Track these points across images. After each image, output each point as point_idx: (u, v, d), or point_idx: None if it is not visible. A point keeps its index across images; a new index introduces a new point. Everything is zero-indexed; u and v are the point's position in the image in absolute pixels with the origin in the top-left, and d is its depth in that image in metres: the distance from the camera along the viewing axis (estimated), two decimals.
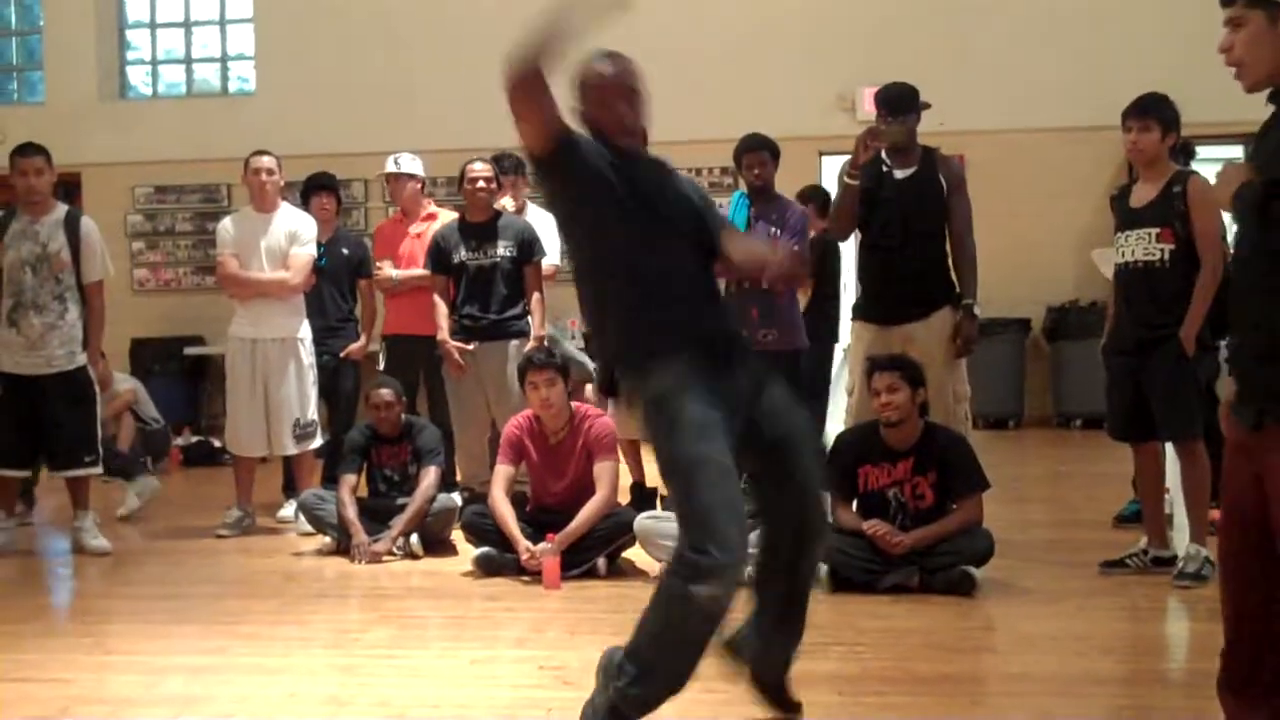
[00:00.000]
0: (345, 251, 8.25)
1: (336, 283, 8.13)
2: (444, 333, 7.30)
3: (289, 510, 7.63)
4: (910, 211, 6.31)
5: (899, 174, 6.37)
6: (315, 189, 8.31)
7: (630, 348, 3.74)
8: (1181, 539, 5.92)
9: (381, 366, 8.11)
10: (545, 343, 7.19)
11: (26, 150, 6.96)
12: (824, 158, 11.82)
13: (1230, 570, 3.29)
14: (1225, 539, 3.33)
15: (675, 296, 3.71)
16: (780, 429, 3.71)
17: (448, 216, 8.02)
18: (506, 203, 7.77)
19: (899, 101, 6.31)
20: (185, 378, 12.57)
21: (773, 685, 3.92)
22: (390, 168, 8.09)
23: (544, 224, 8.04)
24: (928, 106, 6.39)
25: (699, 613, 3.40)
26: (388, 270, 7.98)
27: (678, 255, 3.76)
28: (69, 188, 12.48)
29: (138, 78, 14.19)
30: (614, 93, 3.80)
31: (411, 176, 8.05)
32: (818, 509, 3.82)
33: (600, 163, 3.69)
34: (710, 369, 3.60)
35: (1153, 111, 5.76)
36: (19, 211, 6.96)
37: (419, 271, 7.76)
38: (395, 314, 8.02)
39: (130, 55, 14.15)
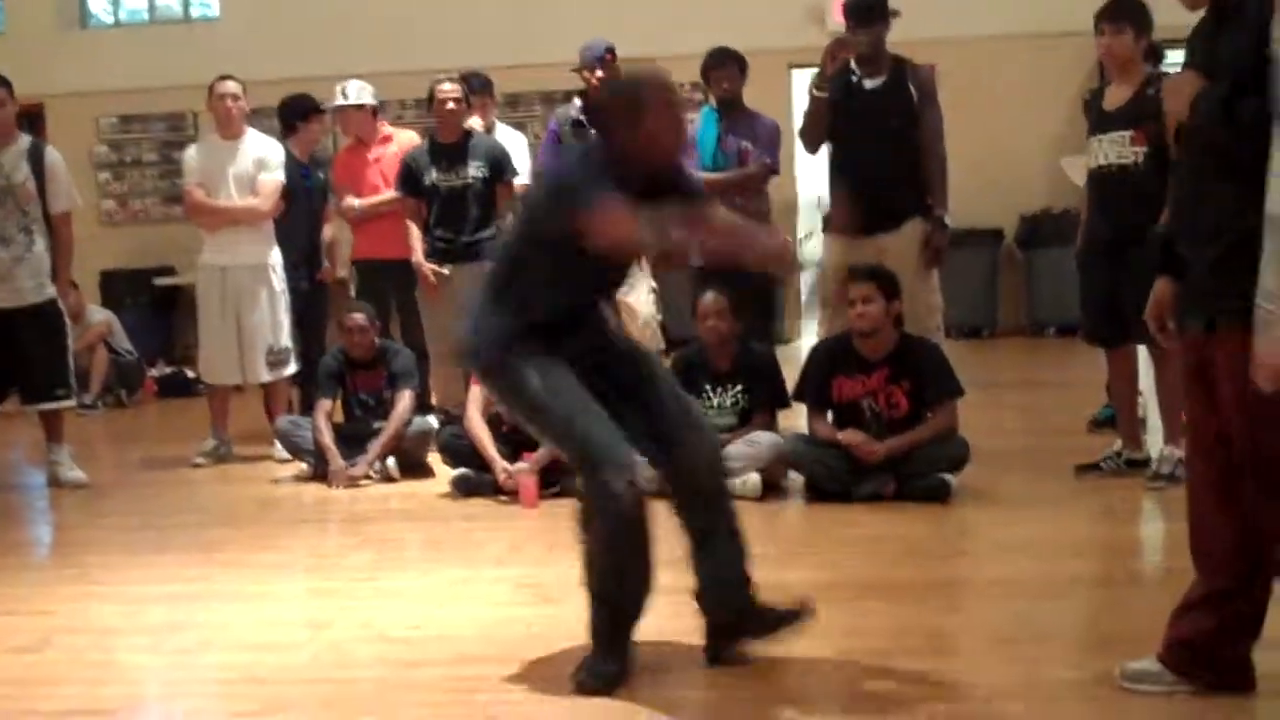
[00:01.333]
0: (322, 176, 8.16)
1: (314, 208, 8.04)
2: (418, 255, 7.26)
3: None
4: (880, 122, 6.26)
5: (868, 84, 6.32)
6: (312, 112, 8.16)
7: (513, 334, 3.72)
8: (1155, 441, 5.97)
9: (353, 293, 8.07)
10: None
11: None
12: (793, 70, 11.73)
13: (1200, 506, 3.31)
14: (1190, 470, 3.37)
15: (577, 324, 3.78)
16: (635, 371, 3.82)
17: (404, 137, 7.94)
18: (475, 122, 7.69)
19: (865, 11, 6.25)
20: (156, 308, 12.48)
21: (747, 611, 3.90)
22: (339, 100, 7.90)
23: (514, 143, 8.00)
24: (896, 14, 6.33)
25: (622, 517, 3.55)
26: (350, 200, 7.88)
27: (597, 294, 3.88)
28: (32, 119, 12.31)
29: (99, 5, 13.98)
30: (675, 129, 3.75)
31: (359, 108, 7.89)
32: (695, 445, 3.81)
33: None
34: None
35: (1126, 14, 5.72)
36: None
37: (383, 197, 7.69)
38: (363, 239, 7.94)
39: None
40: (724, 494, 3.91)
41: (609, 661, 3.66)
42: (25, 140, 6.97)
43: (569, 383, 3.64)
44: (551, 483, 6.00)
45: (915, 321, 6.07)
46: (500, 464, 6.02)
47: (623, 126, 3.67)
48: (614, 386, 3.75)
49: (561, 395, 3.62)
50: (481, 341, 3.79)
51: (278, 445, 7.15)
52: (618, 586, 3.69)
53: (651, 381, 3.83)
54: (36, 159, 6.89)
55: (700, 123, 7.25)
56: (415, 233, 7.30)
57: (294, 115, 8.07)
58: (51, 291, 6.95)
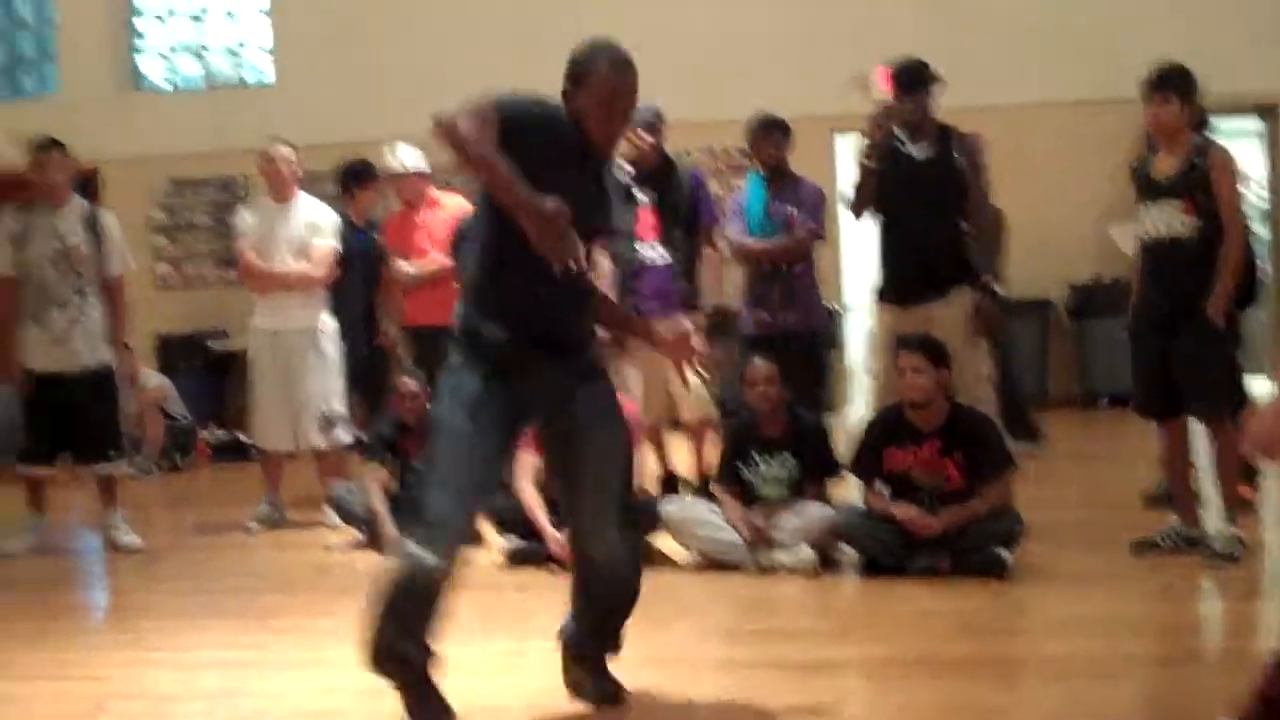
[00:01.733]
0: (378, 239, 8.22)
1: (371, 273, 8.12)
2: None
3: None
4: (925, 191, 6.27)
5: (915, 152, 6.34)
6: (370, 178, 8.26)
7: (472, 316, 3.86)
8: (1211, 516, 5.92)
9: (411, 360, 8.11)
10: None
11: (45, 145, 6.99)
12: (837, 135, 11.78)
13: None
14: None
15: (537, 302, 3.78)
16: (576, 446, 3.90)
17: (452, 202, 7.99)
18: None
19: (909, 78, 6.28)
20: (210, 372, 12.56)
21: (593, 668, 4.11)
22: (395, 167, 7.93)
23: None
24: (938, 80, 6.36)
25: (404, 566, 3.71)
26: (403, 265, 7.92)
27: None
28: (87, 182, 12.47)
29: (153, 70, 14.19)
30: (620, 104, 3.79)
31: (420, 175, 7.97)
32: (600, 540, 3.96)
33: (543, 155, 3.64)
34: (521, 365, 3.78)
35: (1171, 84, 5.72)
36: (38, 207, 6.98)
37: (434, 264, 7.75)
38: (412, 306, 7.97)
39: (144, 45, 14.14)
40: (620, 607, 4.12)
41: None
42: (80, 204, 7.08)
43: (475, 424, 3.71)
44: None
45: (965, 391, 6.04)
46: (552, 533, 6.02)
47: (566, 85, 3.78)
48: (560, 445, 3.94)
49: (453, 435, 3.73)
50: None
51: (330, 512, 7.18)
52: (381, 603, 3.78)
53: (580, 466, 3.91)
54: (91, 222, 7.00)
55: (747, 189, 7.30)
56: None
57: (353, 180, 8.19)
58: (106, 355, 7.04)
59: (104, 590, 6.62)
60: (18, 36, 14.52)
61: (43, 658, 4.96)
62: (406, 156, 7.89)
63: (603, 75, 3.73)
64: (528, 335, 3.79)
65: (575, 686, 4.12)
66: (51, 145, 6.98)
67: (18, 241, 6.92)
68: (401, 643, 3.76)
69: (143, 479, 9.73)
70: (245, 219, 7.63)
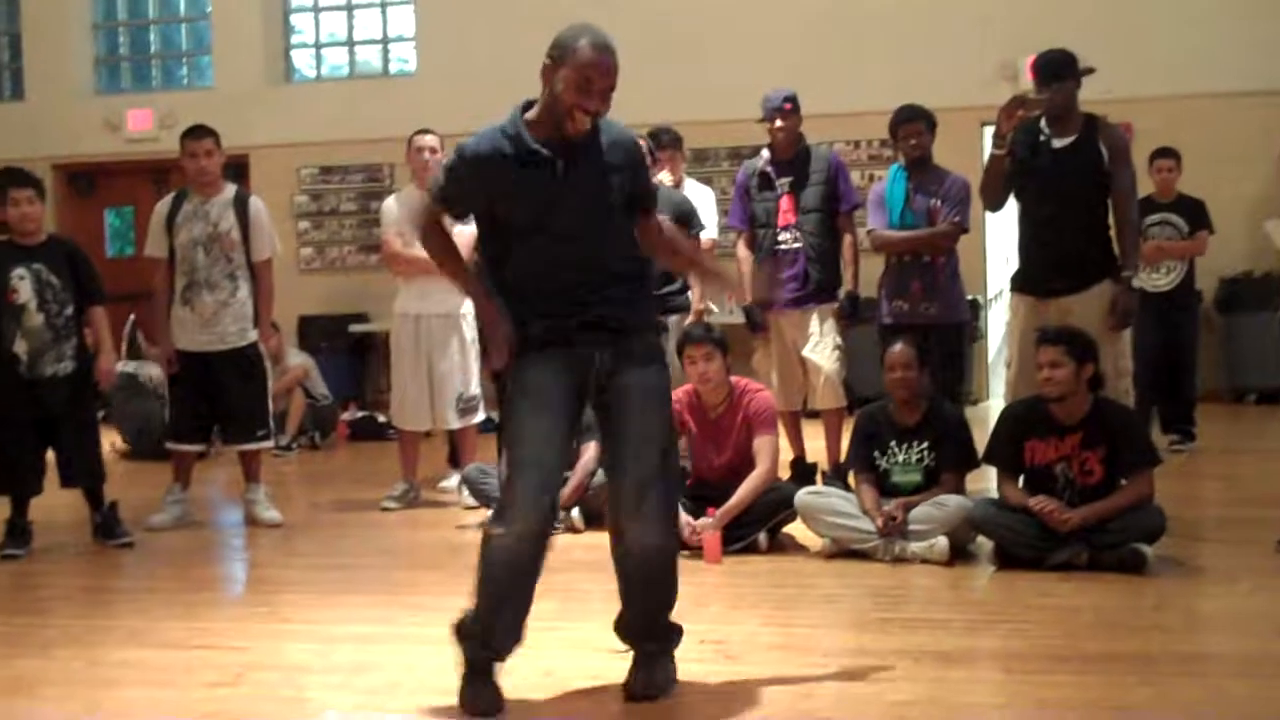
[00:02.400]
0: None
1: None
2: None
3: (452, 482, 7.77)
4: (1068, 181, 6.17)
5: (1057, 143, 6.22)
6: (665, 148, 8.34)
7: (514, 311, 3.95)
8: None
9: None
10: (704, 317, 7.18)
11: (197, 132, 7.14)
12: (986, 127, 11.60)
13: None
14: None
15: (552, 288, 3.90)
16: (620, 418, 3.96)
17: None
18: (664, 177, 7.74)
19: (1053, 69, 6.16)
20: (350, 354, 12.83)
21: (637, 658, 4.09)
22: None
23: (702, 198, 8.04)
24: (1089, 72, 6.23)
25: (493, 550, 3.85)
26: None
27: (563, 256, 3.89)
28: (238, 170, 12.78)
29: (302, 61, 14.48)
30: (597, 82, 3.84)
31: None
32: (633, 538, 3.96)
33: (491, 189, 3.89)
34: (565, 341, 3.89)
35: None
36: (190, 193, 7.15)
37: None
38: None
39: (294, 39, 14.45)
40: (656, 586, 4.06)
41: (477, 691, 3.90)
42: (231, 189, 7.23)
43: (534, 409, 3.88)
44: (736, 538, 5.99)
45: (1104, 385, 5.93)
46: (684, 518, 6.01)
47: (547, 61, 3.88)
48: (604, 424, 4.04)
49: (516, 423, 3.90)
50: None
51: (464, 492, 7.26)
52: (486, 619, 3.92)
53: (619, 445, 3.98)
54: (241, 208, 7.14)
55: (888, 180, 7.22)
56: None
57: None
58: (254, 336, 7.19)
59: (244, 564, 6.75)
60: (173, 30, 14.90)
61: (185, 627, 5.07)
62: None
63: (583, 51, 3.82)
64: (564, 322, 3.90)
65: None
66: (205, 133, 7.12)
67: (171, 226, 7.09)
68: (477, 624, 3.93)
69: (284, 457, 9.95)
70: (390, 207, 7.74)
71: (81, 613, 5.52)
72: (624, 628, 4.14)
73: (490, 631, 3.91)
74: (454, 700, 3.92)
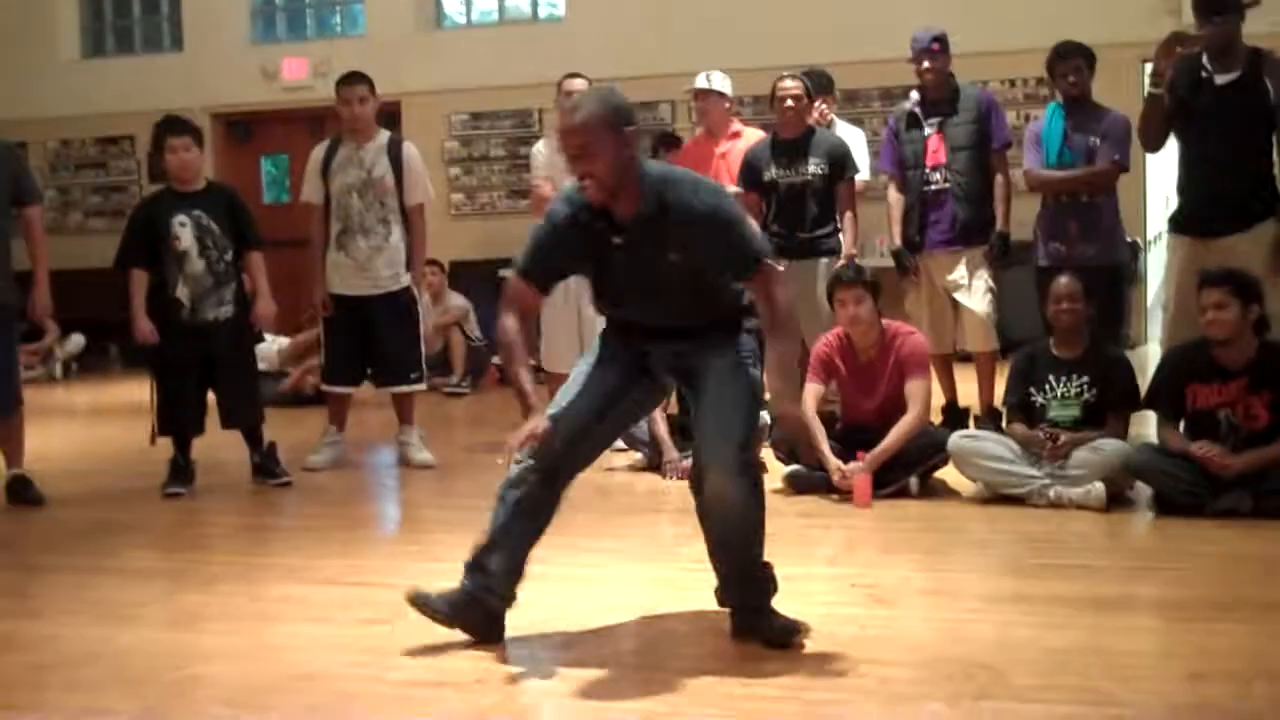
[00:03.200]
0: None
1: None
2: None
3: None
4: (1231, 119, 5.98)
5: (1219, 79, 6.02)
6: (676, 145, 8.42)
7: None
8: None
9: None
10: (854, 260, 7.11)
11: (351, 79, 7.22)
12: (1146, 64, 11.25)
13: None
14: None
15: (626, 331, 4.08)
16: (699, 386, 3.96)
17: (753, 135, 7.93)
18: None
19: (1213, 2, 5.94)
20: (499, 299, 12.92)
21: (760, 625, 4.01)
22: (700, 83, 7.90)
23: (853, 139, 7.93)
24: (1254, 4, 6.00)
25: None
26: None
27: (629, 315, 4.05)
28: (390, 116, 12.90)
29: (452, 7, 14.56)
30: (569, 149, 3.79)
31: (721, 95, 7.92)
32: (713, 474, 3.86)
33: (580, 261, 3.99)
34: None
35: None
36: (344, 139, 7.24)
37: (734, 190, 7.74)
38: None
39: None
40: (732, 542, 3.98)
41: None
42: (384, 136, 7.31)
43: (593, 369, 4.04)
44: (887, 483, 5.93)
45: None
46: (834, 462, 5.98)
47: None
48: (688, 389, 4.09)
49: (574, 378, 4.05)
50: None
51: None
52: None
53: (701, 399, 3.97)
54: (395, 154, 7.22)
55: (1045, 119, 7.06)
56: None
57: (661, 145, 8.35)
58: (406, 280, 7.29)
59: (397, 503, 6.87)
60: None
61: (342, 564, 5.18)
62: (715, 76, 7.84)
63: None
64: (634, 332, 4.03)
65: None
66: (359, 80, 7.20)
67: (326, 172, 7.19)
68: (484, 556, 4.09)
69: (459, 395, 10.21)
70: (540, 152, 7.74)
71: (243, 549, 5.67)
72: (720, 589, 4.12)
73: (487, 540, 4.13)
74: (604, 639, 3.95)
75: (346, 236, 7.17)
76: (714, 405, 3.91)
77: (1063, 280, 5.95)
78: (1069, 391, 5.89)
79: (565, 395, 4.01)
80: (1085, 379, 5.88)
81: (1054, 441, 5.68)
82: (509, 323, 3.99)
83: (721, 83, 7.84)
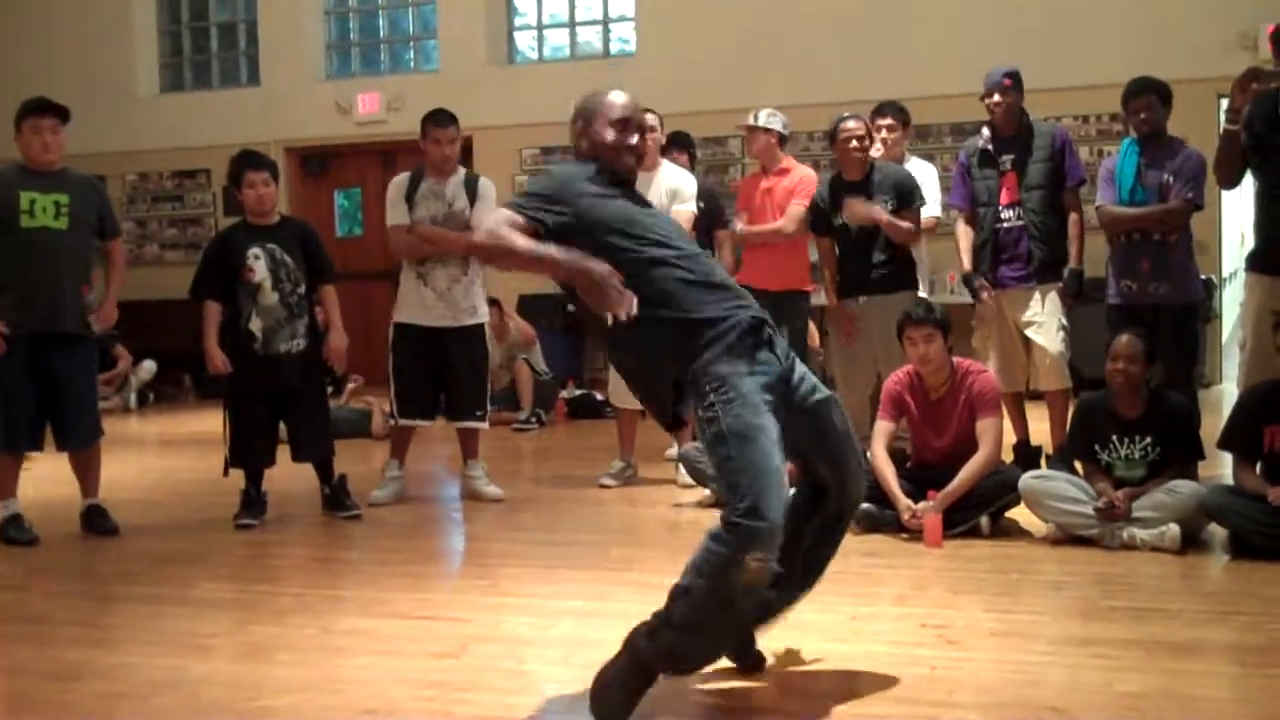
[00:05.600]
0: (701, 205, 8.31)
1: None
2: (833, 298, 7.34)
3: (673, 450, 7.79)
4: None
5: None
6: (670, 146, 8.41)
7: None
8: None
9: None
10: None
11: (442, 120, 7.25)
12: (1222, 100, 11.17)
13: None
14: None
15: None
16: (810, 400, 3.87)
17: (801, 171, 7.95)
18: (876, 151, 7.59)
19: None
20: (568, 333, 12.99)
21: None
22: (750, 120, 7.94)
23: (924, 174, 7.90)
24: None
25: (746, 578, 3.46)
26: (737, 224, 8.00)
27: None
28: (463, 151, 13.01)
29: (524, 42, 14.69)
30: (630, 120, 4.06)
31: (766, 130, 7.87)
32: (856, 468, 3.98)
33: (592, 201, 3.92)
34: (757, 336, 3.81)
35: None
36: (425, 173, 7.30)
37: (767, 228, 7.75)
38: (746, 266, 8.00)
39: (517, 21, 14.66)
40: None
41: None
42: (462, 171, 7.38)
43: (765, 419, 3.69)
44: (958, 522, 5.88)
45: None
46: (904, 501, 5.94)
47: (577, 137, 4.17)
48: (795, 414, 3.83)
49: (757, 435, 3.66)
50: None
51: (681, 471, 7.29)
52: (700, 618, 3.64)
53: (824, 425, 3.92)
54: (472, 188, 7.29)
55: (1119, 155, 7.00)
56: (828, 275, 7.41)
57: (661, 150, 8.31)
58: (484, 316, 7.35)
59: (465, 538, 6.89)
60: (401, 14, 15.26)
61: (411, 598, 5.19)
62: (763, 114, 7.86)
63: (607, 103, 4.09)
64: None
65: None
66: (450, 121, 7.27)
67: (410, 202, 7.25)
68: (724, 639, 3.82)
69: (526, 431, 10.35)
70: None
71: (313, 581, 5.71)
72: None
73: (697, 659, 3.77)
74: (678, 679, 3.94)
75: (425, 268, 7.22)
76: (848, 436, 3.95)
77: (1122, 340, 5.87)
78: (1134, 453, 5.82)
79: (766, 462, 3.59)
80: (1149, 439, 5.81)
81: (1113, 507, 5.60)
82: (507, 233, 3.77)
83: (768, 119, 7.85)
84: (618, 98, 4.11)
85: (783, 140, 7.96)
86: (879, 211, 7.14)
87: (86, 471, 6.70)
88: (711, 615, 3.58)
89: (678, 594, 3.60)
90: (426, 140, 7.26)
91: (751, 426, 3.56)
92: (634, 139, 4.07)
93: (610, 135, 4.03)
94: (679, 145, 8.40)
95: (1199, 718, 3.55)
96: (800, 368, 3.91)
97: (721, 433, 3.57)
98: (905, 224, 7.17)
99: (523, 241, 3.73)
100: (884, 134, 7.81)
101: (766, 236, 7.73)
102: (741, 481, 3.51)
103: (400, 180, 7.38)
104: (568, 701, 3.86)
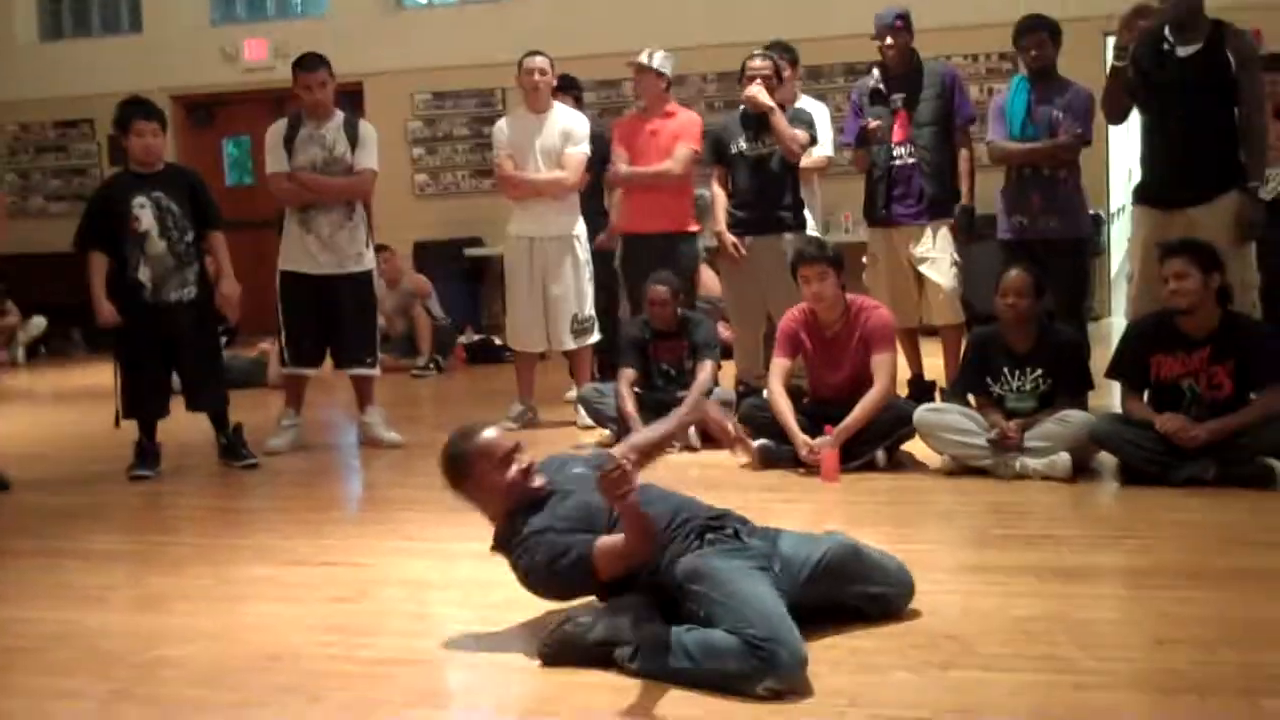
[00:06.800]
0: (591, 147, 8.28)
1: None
2: (721, 224, 7.31)
3: (572, 393, 7.80)
4: (1192, 91, 6.01)
5: (1181, 51, 6.06)
6: (559, 89, 8.36)
7: None
8: None
9: (617, 263, 8.17)
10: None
11: (309, 64, 7.13)
12: (1109, 37, 11.29)
13: None
14: None
15: None
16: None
17: (688, 114, 7.94)
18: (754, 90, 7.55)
19: None
20: (466, 278, 12.91)
21: None
22: (641, 59, 7.81)
23: (819, 115, 7.92)
24: None
25: (753, 691, 3.26)
26: (620, 165, 7.91)
27: None
28: (352, 97, 12.86)
29: None
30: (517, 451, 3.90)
31: (659, 74, 7.87)
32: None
33: None
34: None
35: None
36: (304, 118, 7.19)
37: (655, 169, 7.68)
38: (633, 209, 7.93)
39: None
40: None
41: None
42: (340, 115, 7.26)
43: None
44: (854, 456, 5.95)
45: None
46: (801, 437, 5.99)
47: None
48: None
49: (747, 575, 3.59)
50: None
51: (581, 412, 7.30)
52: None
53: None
54: (352, 131, 7.19)
55: (1010, 92, 7.08)
56: (720, 201, 7.34)
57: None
58: (370, 263, 7.28)
59: (364, 484, 6.85)
60: None
61: (311, 545, 5.17)
62: (657, 55, 7.79)
63: (483, 445, 3.92)
64: None
65: None
66: (318, 64, 7.15)
67: (289, 148, 7.14)
68: None
69: (425, 377, 10.34)
70: (502, 129, 7.69)
71: (210, 531, 5.65)
72: None
73: None
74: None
75: (308, 215, 7.12)
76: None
77: (1011, 274, 5.93)
78: (1025, 385, 5.92)
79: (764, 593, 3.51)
80: (1039, 371, 5.90)
81: (1005, 437, 5.70)
82: None
83: (662, 62, 7.77)
84: (490, 433, 3.92)
85: (668, 84, 7.91)
86: (779, 116, 7.13)
87: None
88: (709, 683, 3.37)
89: (687, 673, 3.39)
90: (297, 86, 7.14)
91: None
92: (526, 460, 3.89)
93: (510, 474, 3.85)
94: (565, 88, 8.32)
95: (1090, 639, 3.63)
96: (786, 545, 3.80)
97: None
98: (800, 133, 7.17)
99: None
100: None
101: (654, 178, 7.67)
102: (750, 615, 3.36)
103: (278, 127, 7.26)
104: (469, 641, 3.86)
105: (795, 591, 3.59)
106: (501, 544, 3.87)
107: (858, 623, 3.77)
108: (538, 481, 3.87)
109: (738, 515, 3.91)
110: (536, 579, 3.77)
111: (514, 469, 3.85)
